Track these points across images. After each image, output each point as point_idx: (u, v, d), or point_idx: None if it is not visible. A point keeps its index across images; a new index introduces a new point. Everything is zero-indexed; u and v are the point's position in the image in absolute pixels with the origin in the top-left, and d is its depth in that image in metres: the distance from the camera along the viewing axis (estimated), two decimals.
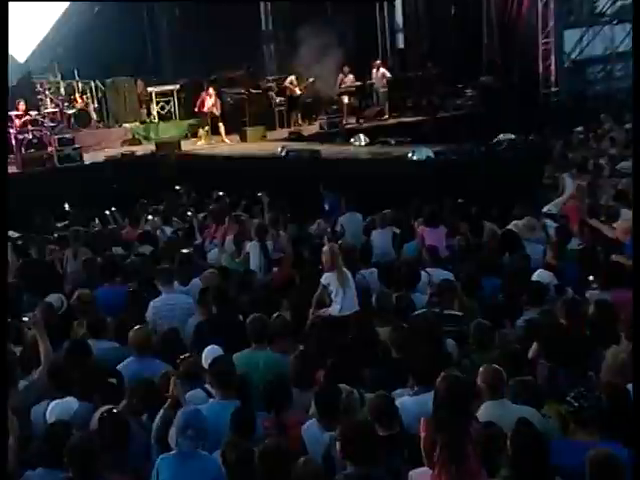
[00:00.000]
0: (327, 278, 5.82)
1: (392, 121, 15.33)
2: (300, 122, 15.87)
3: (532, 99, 16.04)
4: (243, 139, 14.46)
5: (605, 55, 18.40)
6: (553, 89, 16.42)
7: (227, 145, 14.66)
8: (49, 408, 4.13)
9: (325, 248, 6.07)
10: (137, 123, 15.39)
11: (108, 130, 14.98)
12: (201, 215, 9.26)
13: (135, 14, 16.90)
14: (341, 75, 15.35)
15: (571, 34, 17.13)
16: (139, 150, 14.10)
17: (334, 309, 5.70)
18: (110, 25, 15.68)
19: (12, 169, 12.66)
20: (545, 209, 8.08)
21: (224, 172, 12.16)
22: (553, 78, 16.31)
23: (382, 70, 15.82)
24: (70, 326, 5.48)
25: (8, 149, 13.12)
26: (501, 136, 12.40)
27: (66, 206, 10.78)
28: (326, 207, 9.20)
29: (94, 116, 14.89)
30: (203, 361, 4.52)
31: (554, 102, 16.54)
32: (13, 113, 13.42)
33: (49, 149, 13.01)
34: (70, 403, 4.18)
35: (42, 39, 15.68)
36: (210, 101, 14.62)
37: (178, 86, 15.58)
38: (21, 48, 15.62)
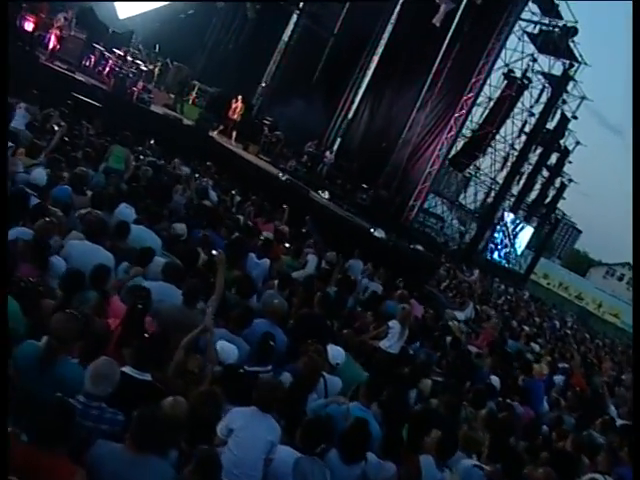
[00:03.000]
0: (394, 323, 6.17)
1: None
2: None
3: (400, 215, 19.59)
4: (245, 149, 15.70)
5: (437, 214, 24.93)
6: (412, 216, 20.10)
7: (235, 146, 15.31)
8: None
9: (406, 307, 6.66)
10: (177, 97, 16.91)
11: (159, 92, 16.39)
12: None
13: (204, 33, 19.10)
14: (310, 142, 18.63)
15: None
16: (184, 120, 15.16)
17: (384, 344, 5.98)
18: (190, 30, 18.00)
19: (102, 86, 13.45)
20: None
21: (241, 168, 13.03)
22: (415, 210, 19.97)
23: (331, 155, 19.42)
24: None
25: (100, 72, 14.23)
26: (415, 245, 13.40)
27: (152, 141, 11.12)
28: (303, 230, 9.49)
29: (155, 79, 16.52)
30: None
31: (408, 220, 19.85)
32: (116, 51, 14.74)
33: (134, 88, 13.80)
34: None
35: (146, 12, 16.82)
36: (238, 110, 16.04)
37: (212, 90, 17.82)
38: (126, 8, 16.50)
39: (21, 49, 11.57)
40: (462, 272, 16.72)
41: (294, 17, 22.71)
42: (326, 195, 13.57)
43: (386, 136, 21.03)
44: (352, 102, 22.58)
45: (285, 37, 23.07)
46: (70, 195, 5.60)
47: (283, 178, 12.86)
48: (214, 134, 15.59)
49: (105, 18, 15.85)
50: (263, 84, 21.73)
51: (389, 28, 22.20)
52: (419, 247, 12.51)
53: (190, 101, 17.36)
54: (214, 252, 4.95)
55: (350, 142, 22.11)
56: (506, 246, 24.10)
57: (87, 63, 14.18)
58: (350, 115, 22.53)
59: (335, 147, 21.96)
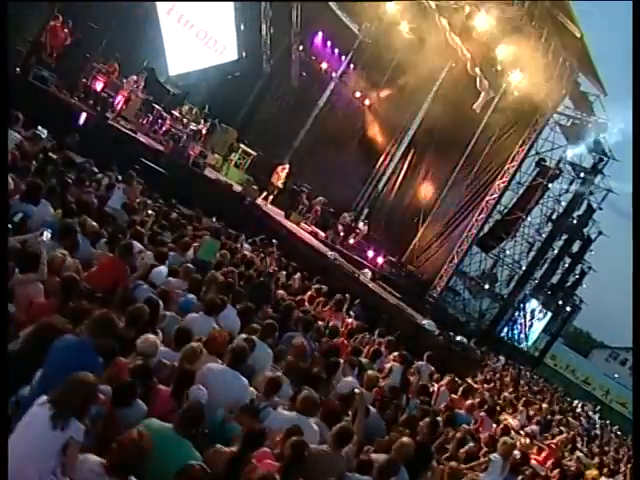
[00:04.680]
0: (496, 458, 6.07)
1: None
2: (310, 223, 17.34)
3: (424, 292, 19.60)
4: (286, 217, 15.80)
5: (457, 290, 25.19)
6: (436, 294, 20.12)
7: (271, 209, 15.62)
8: None
9: (508, 441, 6.36)
10: (221, 157, 17.18)
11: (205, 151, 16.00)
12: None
13: (248, 95, 19.22)
14: (345, 213, 18.61)
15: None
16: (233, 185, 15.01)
17: (484, 479, 5.87)
18: (234, 91, 18.20)
19: (159, 147, 13.32)
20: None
21: (291, 243, 12.89)
22: (441, 287, 19.99)
23: (365, 227, 19.59)
24: None
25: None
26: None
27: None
28: (352, 313, 9.28)
29: (203, 139, 16.44)
30: None
31: (433, 298, 19.97)
32: (174, 112, 14.99)
33: (191, 152, 13.83)
34: None
35: (195, 71, 17.33)
36: (282, 176, 16.35)
37: (255, 154, 17.94)
38: (178, 64, 17.01)
39: (92, 108, 11.70)
40: (489, 358, 16.60)
41: (332, 85, 23.17)
42: (368, 275, 13.69)
43: (416, 211, 21.31)
44: (383, 174, 22.86)
45: (320, 103, 23.42)
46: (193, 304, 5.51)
47: (331, 257, 12.98)
48: (260, 201, 15.67)
49: (159, 75, 16.15)
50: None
51: (425, 106, 22.75)
52: (464, 340, 12.40)
53: (232, 162, 17.39)
54: (356, 390, 4.79)
55: (378, 213, 22.26)
56: (519, 342, 24.20)
57: (144, 121, 14.31)
58: (380, 186, 22.74)
59: (362, 217, 22.06)
